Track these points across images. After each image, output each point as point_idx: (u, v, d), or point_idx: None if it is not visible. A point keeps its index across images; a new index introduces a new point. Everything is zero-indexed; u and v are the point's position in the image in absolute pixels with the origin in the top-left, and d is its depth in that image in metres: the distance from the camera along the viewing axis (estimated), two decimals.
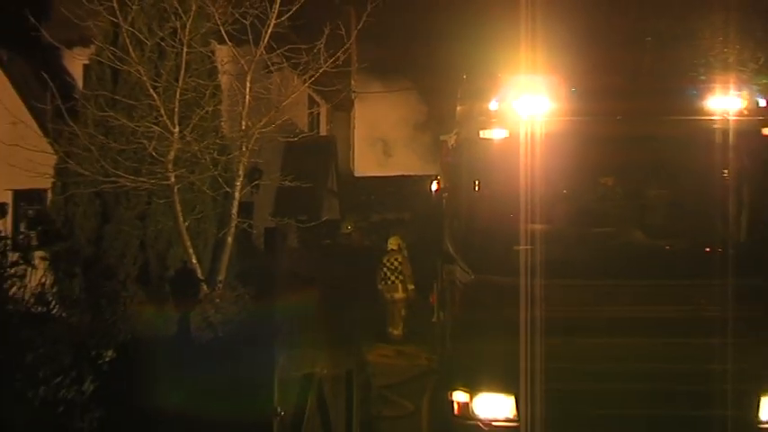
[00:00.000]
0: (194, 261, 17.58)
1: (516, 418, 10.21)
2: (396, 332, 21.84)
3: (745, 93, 11.07)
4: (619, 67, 12.91)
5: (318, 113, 32.20)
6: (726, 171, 10.91)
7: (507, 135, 10.62)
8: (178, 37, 17.75)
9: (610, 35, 17.77)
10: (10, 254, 8.81)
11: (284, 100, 18.83)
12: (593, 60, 13.02)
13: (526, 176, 10.31)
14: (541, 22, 12.65)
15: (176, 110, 17.43)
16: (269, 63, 18.39)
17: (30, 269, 8.92)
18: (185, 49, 17.68)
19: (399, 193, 30.15)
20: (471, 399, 10.51)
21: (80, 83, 22.87)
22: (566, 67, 11.45)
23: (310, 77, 18.99)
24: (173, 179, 17.63)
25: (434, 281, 16.29)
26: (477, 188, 10.86)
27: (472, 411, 10.50)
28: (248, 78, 17.92)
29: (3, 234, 8.74)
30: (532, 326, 9.91)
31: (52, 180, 20.03)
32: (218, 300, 16.39)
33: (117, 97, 18.53)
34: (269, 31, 17.62)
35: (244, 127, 17.94)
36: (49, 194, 20.60)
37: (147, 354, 9.67)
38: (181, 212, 17.95)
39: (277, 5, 17.39)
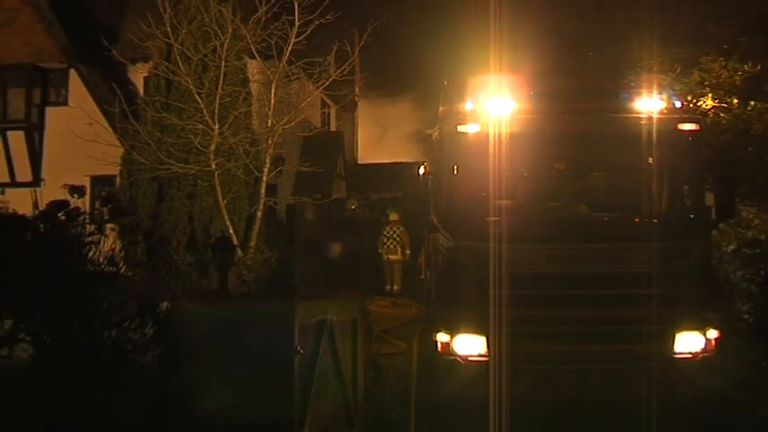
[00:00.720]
0: (231, 231, 17.66)
1: (487, 354, 10.23)
2: (395, 287, 21.85)
3: (665, 96, 11.09)
4: (567, 72, 12.89)
5: (329, 113, 32.16)
6: (650, 158, 10.94)
7: (479, 129, 10.61)
8: (218, 53, 17.85)
9: (559, 45, 17.76)
10: (88, 226, 8.91)
11: (302, 103, 18.91)
12: (547, 67, 13.01)
13: (495, 162, 10.31)
14: (507, 35, 12.66)
15: (216, 111, 17.51)
16: (289, 73, 18.47)
17: (103, 238, 9.01)
18: (223, 63, 17.78)
19: (394, 177, 30.07)
20: (451, 339, 10.53)
21: (141, 91, 22.93)
22: (526, 73, 11.44)
23: (322, 84, 19.13)
24: (213, 166, 17.73)
25: (422, 246, 16.30)
26: (455, 172, 10.86)
27: (452, 349, 10.52)
28: (273, 86, 17.99)
29: (82, 210, 8.82)
30: (500, 281, 9.93)
31: (120, 167, 20.14)
32: (249, 262, 16.48)
33: (170, 102, 18.59)
34: (289, 48, 17.69)
35: (270, 124, 18.03)
36: (118, 179, 20.72)
37: (194, 304, 9.72)
38: (220, 192, 18.04)
39: (296, 28, 17.45)
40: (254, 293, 14.41)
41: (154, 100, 18.99)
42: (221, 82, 17.78)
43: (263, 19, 17.62)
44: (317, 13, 17.46)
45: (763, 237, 14.63)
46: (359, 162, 36.81)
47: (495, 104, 10.67)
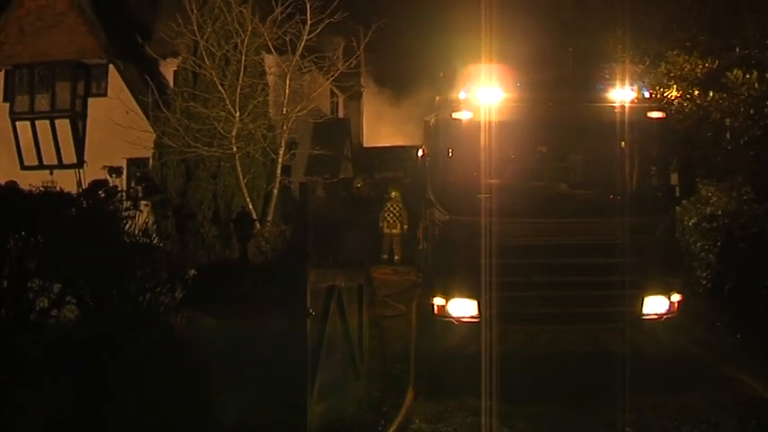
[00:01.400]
0: (250, 207, 17.64)
1: (478, 316, 10.23)
2: (396, 258, 21.86)
3: (636, 87, 11.05)
4: (549, 65, 12.79)
5: (337, 102, 32.07)
6: (622, 142, 10.89)
7: (472, 116, 10.57)
8: (238, 49, 17.77)
9: (542, 40, 17.72)
10: (125, 202, 8.88)
11: (313, 93, 18.84)
12: (531, 60, 12.92)
13: (485, 145, 10.28)
14: (495, 31, 12.59)
15: (237, 100, 17.47)
16: (302, 67, 18.42)
17: (138, 213, 9.00)
18: (243, 58, 17.71)
19: (395, 158, 29.94)
20: (446, 303, 10.51)
21: (171, 83, 22.86)
22: (512, 65, 11.37)
23: (331, 76, 19.09)
24: (235, 149, 17.70)
25: (420, 220, 16.25)
26: (450, 154, 10.82)
27: (447, 311, 10.51)
28: (288, 78, 17.93)
29: (120, 189, 8.81)
30: (489, 251, 9.90)
31: (152, 151, 20.11)
32: (267, 234, 16.46)
33: (196, 92, 18.52)
34: (302, 44, 17.59)
35: (284, 112, 17.97)
36: (150, 161, 20.69)
37: (218, 271, 9.70)
38: (241, 173, 18.01)
39: (308, 26, 17.38)
40: (270, 262, 14.37)
41: (182, 91, 18.92)
42: (242, 74, 17.72)
43: (279, 18, 17.56)
44: (327, 12, 17.41)
45: (719, 212, 14.61)
46: (364, 145, 36.72)
47: (485, 94, 10.63)
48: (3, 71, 26.84)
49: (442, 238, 11.21)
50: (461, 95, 10.98)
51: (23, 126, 26.12)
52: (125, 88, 24.44)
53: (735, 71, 14.11)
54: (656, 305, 10.40)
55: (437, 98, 12.55)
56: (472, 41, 12.42)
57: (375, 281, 16.18)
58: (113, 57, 25.36)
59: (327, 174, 24.04)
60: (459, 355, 10.25)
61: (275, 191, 18.18)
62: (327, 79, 19.47)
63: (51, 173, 23.99)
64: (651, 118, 10.85)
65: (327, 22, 17.52)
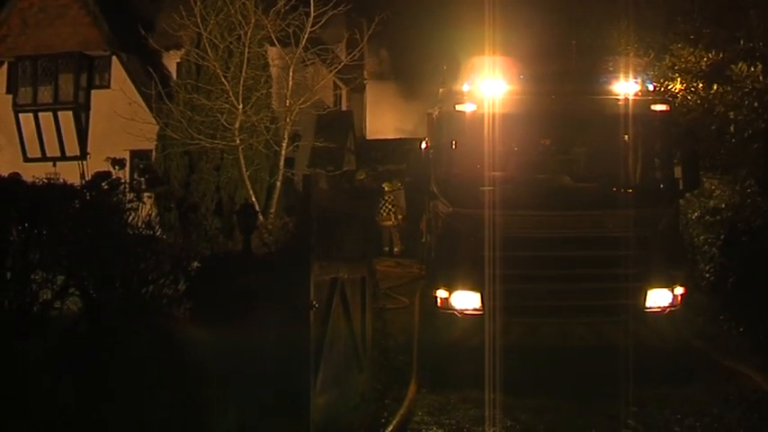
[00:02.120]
0: (253, 199, 17.61)
1: (481, 308, 10.22)
2: (395, 249, 21.93)
3: (639, 80, 11.04)
4: (553, 57, 12.79)
5: (340, 94, 31.93)
6: (626, 135, 10.88)
7: (475, 108, 10.56)
8: (242, 41, 17.74)
9: (545, 33, 17.70)
10: (128, 194, 8.87)
11: (316, 85, 18.76)
12: (535, 52, 12.92)
13: (488, 138, 10.27)
14: (499, 23, 12.56)
15: (240, 93, 17.43)
16: (305, 59, 18.32)
17: (141, 204, 8.98)
18: (246, 50, 17.67)
19: (398, 151, 29.82)
20: (450, 295, 10.51)
21: (174, 75, 22.90)
22: (516, 58, 11.36)
23: (334, 69, 19.00)
24: (238, 141, 17.67)
25: (423, 212, 16.25)
26: (453, 146, 10.80)
27: (450, 304, 10.50)
28: (291, 70, 17.87)
29: (123, 181, 8.80)
30: (493, 244, 9.89)
31: (155, 143, 20.08)
32: (270, 226, 16.39)
33: (199, 84, 18.49)
34: (305, 36, 17.53)
35: (288, 104, 17.92)
36: (154, 153, 20.65)
37: (221, 263, 9.69)
38: (244, 165, 17.99)
39: (311, 19, 17.31)
40: (273, 254, 14.35)
41: (185, 83, 18.91)
42: (245, 66, 17.67)
43: (282, 10, 17.49)
44: (330, 5, 17.34)
45: (722, 205, 14.60)
46: (367, 138, 36.62)
47: (489, 86, 10.62)
48: (6, 63, 26.86)
49: (445, 230, 11.20)
50: (465, 88, 10.98)
51: (26, 118, 26.10)
52: (128, 80, 24.41)
53: (739, 64, 14.10)
54: (659, 298, 10.38)
55: (440, 90, 12.54)
56: (476, 34, 12.40)
57: (378, 273, 16.18)
58: (116, 48, 25.32)
59: (330, 166, 24.02)
60: (462, 347, 10.26)
61: (278, 183, 18.14)
62: (331, 71, 19.41)
63: (54, 165, 23.92)
64: (655, 111, 10.83)
65: (331, 14, 17.47)
